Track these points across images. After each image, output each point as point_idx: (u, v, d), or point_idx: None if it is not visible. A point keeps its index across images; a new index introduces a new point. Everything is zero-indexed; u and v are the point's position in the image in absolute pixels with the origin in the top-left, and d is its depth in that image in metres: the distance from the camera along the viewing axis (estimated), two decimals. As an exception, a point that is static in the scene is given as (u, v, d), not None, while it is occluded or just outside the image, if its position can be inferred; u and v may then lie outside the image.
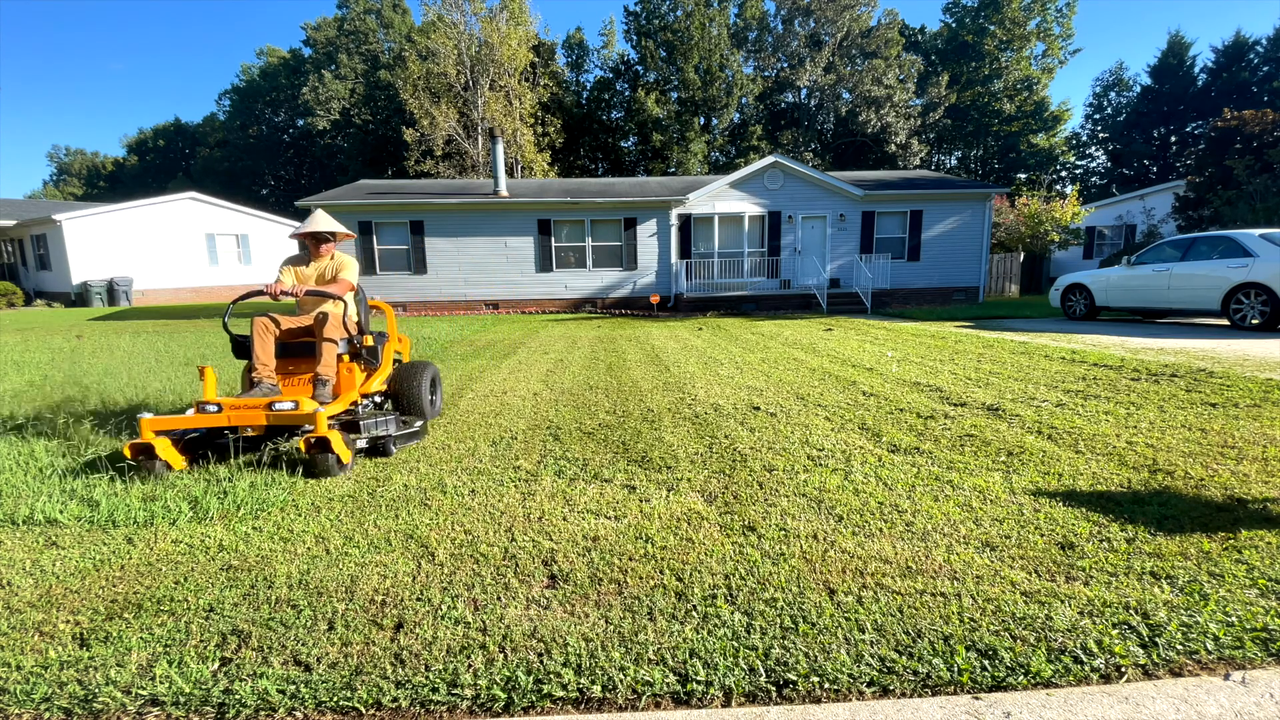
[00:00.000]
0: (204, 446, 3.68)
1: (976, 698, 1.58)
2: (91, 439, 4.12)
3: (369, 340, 4.17)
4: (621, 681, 1.66)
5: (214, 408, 3.37)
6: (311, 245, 4.16)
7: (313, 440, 3.20)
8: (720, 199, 16.68)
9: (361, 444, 3.59)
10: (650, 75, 35.64)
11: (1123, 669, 1.66)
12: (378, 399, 4.34)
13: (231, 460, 3.55)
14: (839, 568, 2.23)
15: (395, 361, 4.81)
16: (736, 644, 1.81)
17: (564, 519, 2.75)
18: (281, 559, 2.41)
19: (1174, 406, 4.40)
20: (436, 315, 16.19)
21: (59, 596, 2.17)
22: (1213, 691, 1.57)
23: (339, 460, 3.28)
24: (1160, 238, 20.67)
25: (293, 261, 4.23)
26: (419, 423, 4.05)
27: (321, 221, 4.16)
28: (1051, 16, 38.38)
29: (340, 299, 3.93)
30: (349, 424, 3.67)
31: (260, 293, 3.70)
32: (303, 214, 16.97)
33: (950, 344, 8.16)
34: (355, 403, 3.95)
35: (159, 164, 52.97)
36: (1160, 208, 22.50)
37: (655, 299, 16.49)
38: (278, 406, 3.33)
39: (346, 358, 3.95)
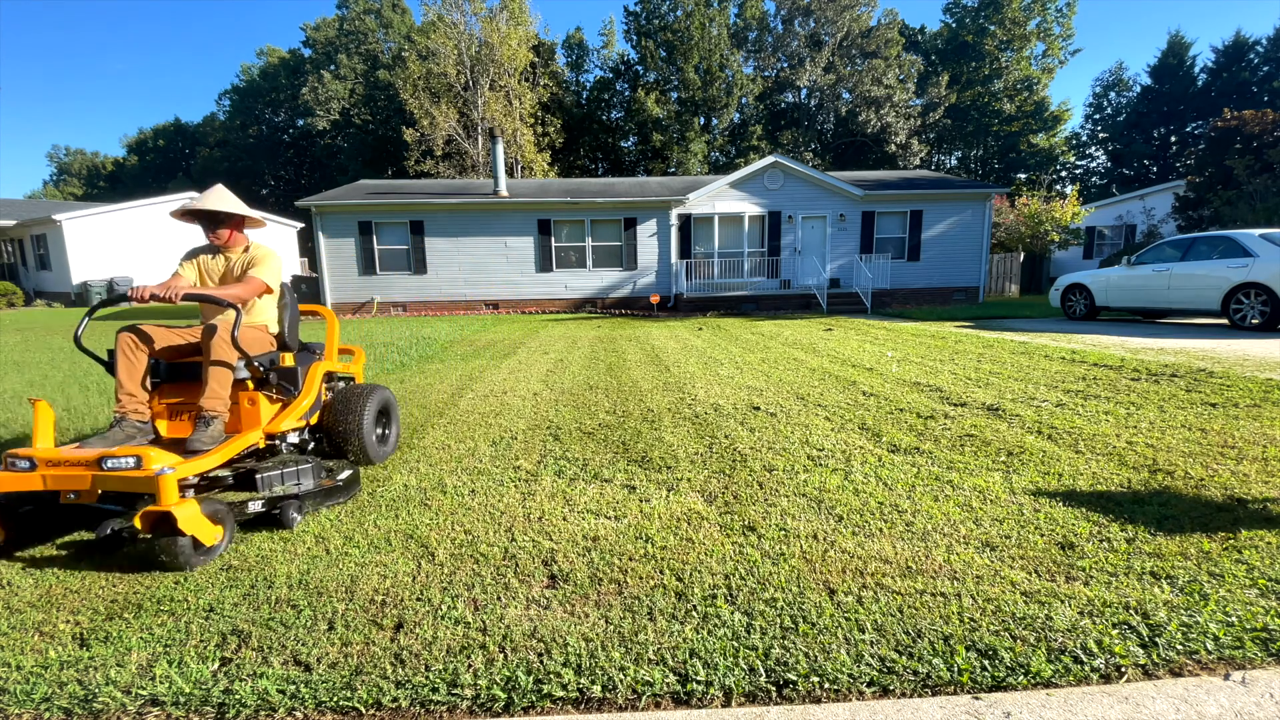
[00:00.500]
0: (40, 513, 2.62)
1: (976, 698, 1.58)
2: None
3: (287, 360, 3.20)
4: (621, 681, 1.66)
5: (25, 463, 2.40)
6: (207, 232, 3.13)
7: (154, 516, 2.21)
8: (720, 199, 16.68)
9: (256, 507, 2.62)
10: (650, 75, 35.65)
11: (1123, 669, 1.66)
12: (296, 438, 3.25)
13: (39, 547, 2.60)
14: (839, 568, 2.23)
15: (343, 383, 3.87)
16: (736, 644, 1.81)
17: (564, 519, 2.75)
18: (281, 559, 2.41)
19: (1174, 406, 4.40)
20: (436, 315, 16.19)
21: (59, 596, 2.17)
22: (1213, 691, 1.57)
23: (195, 544, 2.30)
24: (1160, 238, 20.68)
25: (197, 254, 3.21)
26: (346, 473, 3.02)
27: (215, 198, 3.06)
28: (1051, 16, 38.40)
29: (233, 306, 2.81)
30: (244, 477, 2.76)
31: (126, 297, 2.70)
32: (303, 214, 16.93)
33: (950, 344, 8.16)
34: (255, 447, 2.94)
35: (159, 164, 52.96)
36: (1160, 208, 22.51)
37: (655, 299, 16.49)
38: (110, 464, 2.34)
39: (251, 384, 2.99)
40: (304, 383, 3.27)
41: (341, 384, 3.83)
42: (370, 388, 3.60)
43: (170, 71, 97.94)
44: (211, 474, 2.70)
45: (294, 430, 3.20)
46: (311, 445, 3.42)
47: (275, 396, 3.10)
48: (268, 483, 2.75)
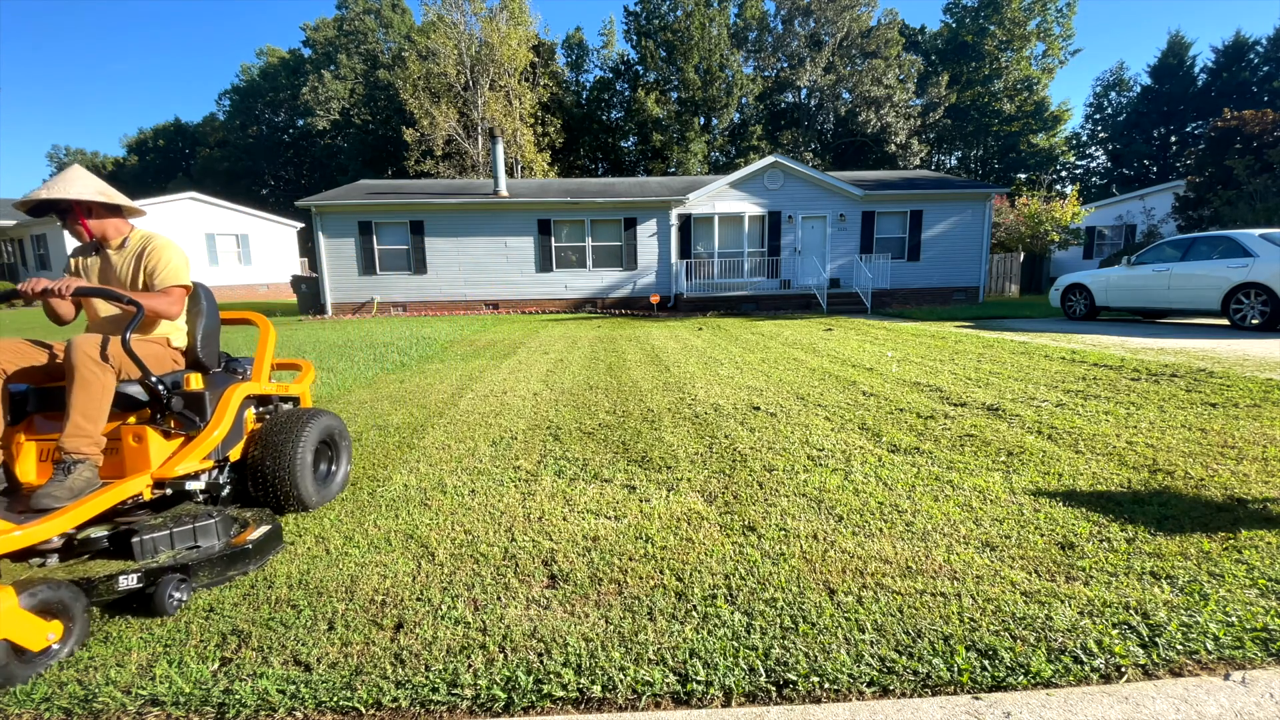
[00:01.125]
0: None
1: (976, 698, 1.58)
2: None
3: (194, 383, 2.57)
4: (621, 681, 1.66)
5: None
6: (64, 226, 2.50)
7: None
8: (720, 199, 16.68)
9: (130, 582, 2.04)
10: (650, 75, 35.66)
11: (1123, 669, 1.66)
12: (203, 481, 2.54)
13: None
14: (839, 568, 2.23)
15: (289, 405, 3.25)
16: (736, 644, 1.80)
17: (564, 519, 2.75)
18: (281, 559, 2.41)
19: (1174, 406, 4.40)
20: (436, 315, 16.19)
21: (59, 596, 2.17)
22: (1213, 691, 1.57)
23: (14, 650, 1.72)
24: (1160, 238, 20.69)
25: (75, 255, 2.63)
26: (261, 529, 2.39)
27: (55, 184, 2.38)
28: (1051, 17, 38.41)
29: (134, 303, 2.31)
30: (120, 538, 2.20)
31: (16, 294, 2.29)
32: (303, 214, 16.90)
33: (950, 344, 8.16)
34: (137, 498, 2.29)
35: (159, 164, 52.95)
36: (1160, 208, 22.51)
37: (655, 299, 16.49)
38: None
39: (148, 414, 2.44)
40: (214, 411, 2.58)
41: (288, 407, 3.19)
42: (310, 413, 2.96)
43: (170, 72, 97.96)
44: (80, 537, 2.17)
45: (199, 473, 2.52)
46: (227, 489, 2.74)
47: (173, 430, 2.44)
48: (148, 547, 2.17)
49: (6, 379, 2.26)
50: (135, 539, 2.17)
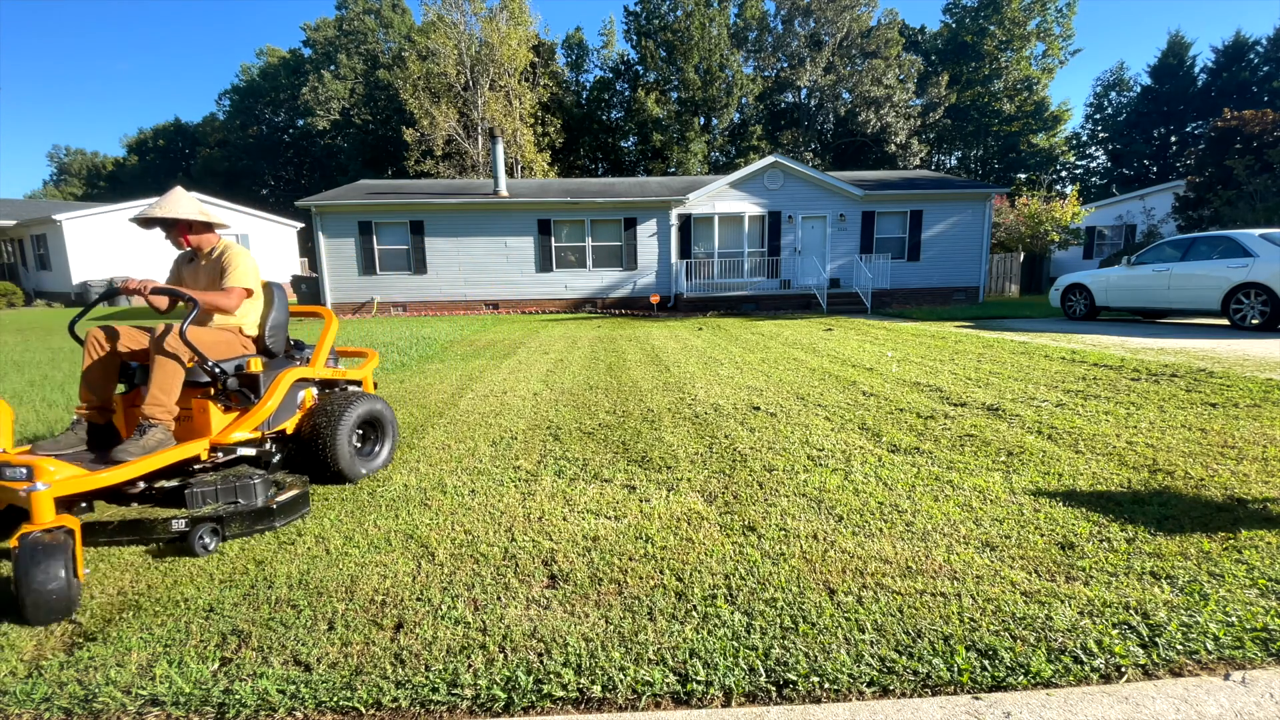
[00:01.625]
0: None
1: (976, 698, 1.58)
2: None
3: (255, 365, 3.00)
4: (621, 681, 1.66)
5: None
6: (171, 237, 3.05)
7: (25, 538, 2.00)
8: (720, 199, 16.68)
9: (180, 526, 2.45)
10: (650, 75, 35.65)
11: (1123, 669, 1.66)
12: (253, 449, 2.99)
13: None
14: (839, 568, 2.23)
15: (352, 388, 3.68)
16: (736, 644, 1.80)
17: (564, 519, 2.75)
18: (281, 559, 2.41)
19: (1174, 406, 4.40)
20: (436, 315, 16.19)
21: (59, 596, 2.17)
22: (1213, 691, 1.57)
23: (70, 573, 1.99)
24: (1160, 238, 20.68)
25: (178, 259, 3.25)
26: (291, 493, 2.75)
27: (164, 205, 2.93)
28: (1051, 17, 38.39)
29: (191, 300, 2.76)
30: (175, 492, 2.63)
31: (117, 291, 2.76)
32: (303, 214, 16.91)
33: (950, 344, 8.16)
34: (199, 458, 2.75)
35: (159, 164, 52.92)
36: (1160, 208, 22.51)
37: (655, 299, 16.49)
38: (8, 473, 2.16)
39: (212, 390, 2.86)
40: (268, 390, 3.00)
41: (353, 390, 3.64)
42: (355, 396, 3.36)
43: (170, 71, 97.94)
44: (156, 485, 2.66)
45: (250, 442, 2.95)
46: (278, 457, 3.17)
47: (231, 405, 2.90)
48: (197, 499, 2.56)
49: (123, 356, 2.82)
50: (188, 491, 2.57)
